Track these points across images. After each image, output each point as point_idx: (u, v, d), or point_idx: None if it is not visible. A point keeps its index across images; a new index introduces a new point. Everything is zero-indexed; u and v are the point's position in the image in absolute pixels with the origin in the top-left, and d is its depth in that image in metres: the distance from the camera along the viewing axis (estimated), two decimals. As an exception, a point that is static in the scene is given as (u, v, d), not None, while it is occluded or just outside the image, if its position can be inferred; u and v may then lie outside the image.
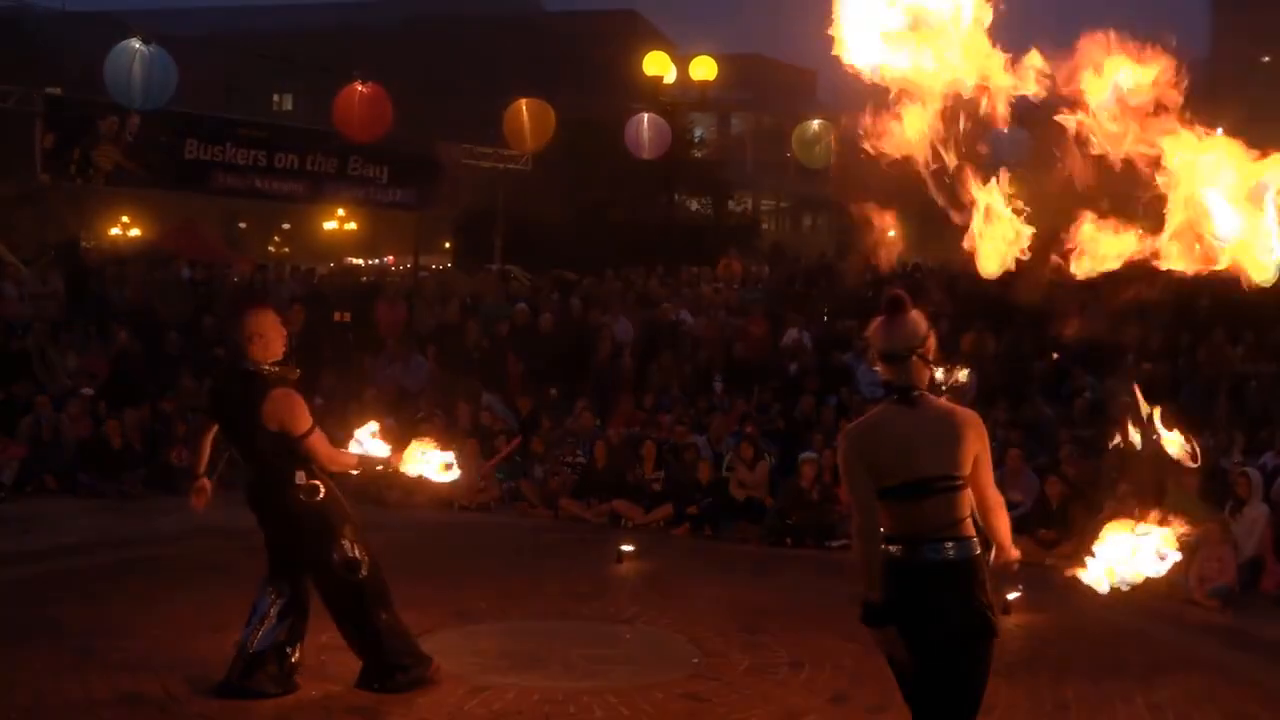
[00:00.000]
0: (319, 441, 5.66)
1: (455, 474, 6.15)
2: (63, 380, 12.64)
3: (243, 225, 41.07)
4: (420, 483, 6.24)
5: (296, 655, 5.80)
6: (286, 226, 42.50)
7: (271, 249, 40.66)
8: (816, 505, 10.30)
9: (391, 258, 36.56)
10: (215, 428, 5.92)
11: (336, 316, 14.38)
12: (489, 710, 5.68)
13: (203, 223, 28.50)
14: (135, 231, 34.39)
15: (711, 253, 21.44)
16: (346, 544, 5.72)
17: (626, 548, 9.24)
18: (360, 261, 35.30)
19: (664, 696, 5.98)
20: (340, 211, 34.43)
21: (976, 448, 3.87)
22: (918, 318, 3.97)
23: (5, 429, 11.46)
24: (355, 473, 6.07)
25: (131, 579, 8.12)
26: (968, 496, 3.87)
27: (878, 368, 4.00)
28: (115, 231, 34.47)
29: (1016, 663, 6.53)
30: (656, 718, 5.69)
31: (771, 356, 14.17)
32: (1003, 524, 4.06)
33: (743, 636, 7.07)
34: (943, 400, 3.98)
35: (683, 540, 10.38)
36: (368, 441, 5.96)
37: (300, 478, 5.64)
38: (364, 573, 5.75)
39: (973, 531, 3.88)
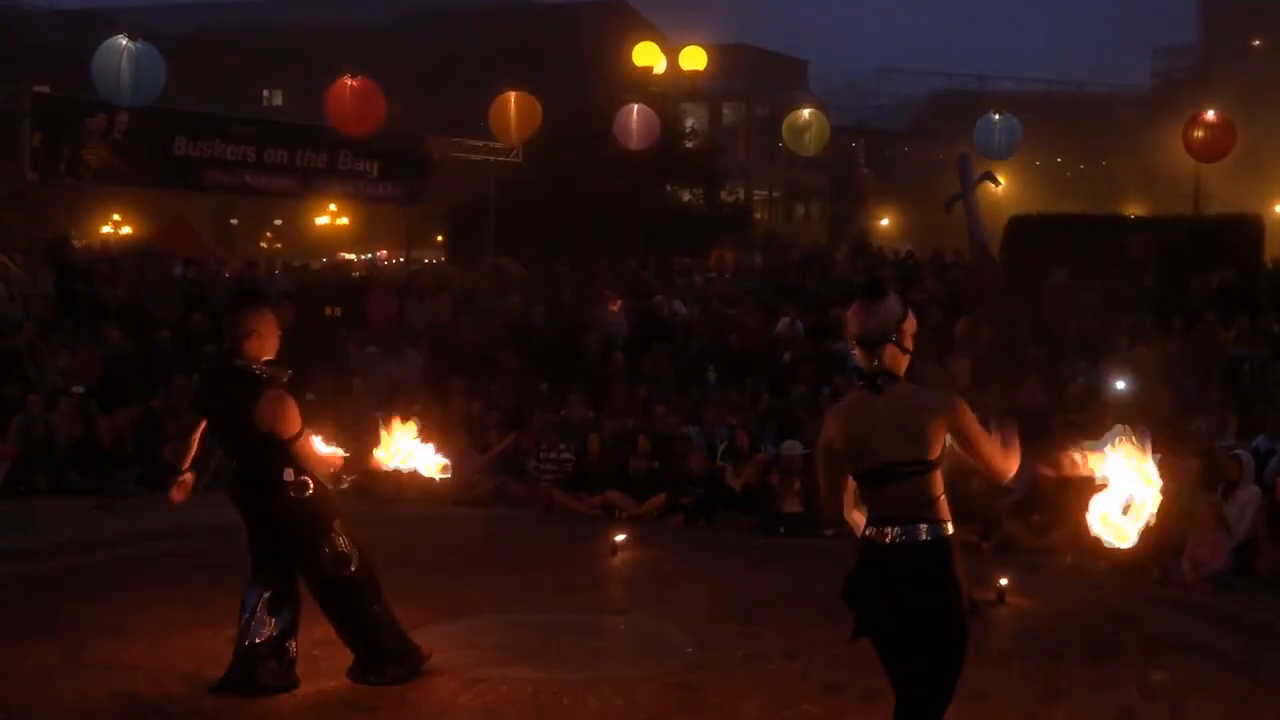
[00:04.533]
0: (308, 445, 5.64)
1: (447, 475, 6.07)
2: (54, 379, 12.60)
3: (234, 222, 40.95)
4: (412, 478, 6.17)
5: (294, 649, 5.78)
6: (278, 222, 42.37)
7: (264, 245, 40.52)
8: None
9: (384, 252, 36.47)
10: (203, 424, 5.85)
11: (327, 311, 14.36)
12: (483, 702, 5.67)
13: (194, 220, 28.43)
14: (126, 229, 34.26)
15: (704, 243, 21.42)
16: (336, 538, 5.72)
17: (619, 538, 9.23)
18: (352, 256, 35.22)
19: (658, 687, 5.97)
20: (332, 207, 34.34)
21: (948, 427, 3.84)
22: (894, 303, 3.95)
23: (-4, 429, 11.43)
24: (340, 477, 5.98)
25: (124, 578, 8.10)
26: (936, 479, 3.85)
27: (855, 352, 3.97)
28: (106, 230, 34.33)
29: (1009, 647, 6.54)
30: (651, 708, 5.68)
31: (765, 346, 14.17)
32: (1009, 457, 4.00)
33: (737, 627, 7.07)
34: (913, 386, 3.96)
35: (676, 531, 10.38)
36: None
37: (289, 474, 5.62)
38: (354, 566, 5.75)
39: (945, 515, 3.86)
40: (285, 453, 5.60)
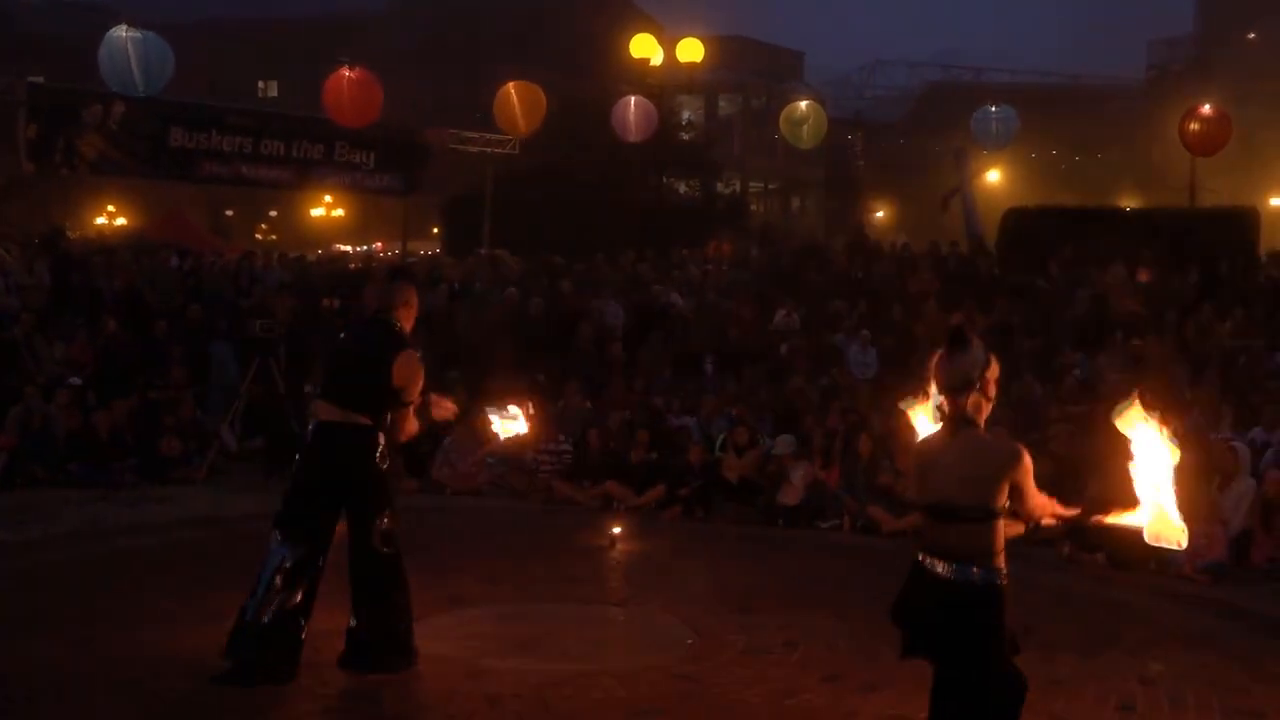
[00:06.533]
0: (412, 412, 5.93)
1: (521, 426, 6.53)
2: (51, 370, 12.58)
3: (229, 213, 40.90)
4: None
5: (304, 630, 5.80)
6: (274, 214, 42.32)
7: (259, 236, 40.49)
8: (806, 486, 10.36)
9: (380, 244, 36.45)
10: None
11: (325, 303, 14.33)
12: (485, 693, 5.69)
13: (189, 211, 28.37)
14: (121, 220, 34.23)
15: (701, 235, 21.42)
16: (392, 516, 5.87)
17: (616, 530, 9.25)
18: (348, 248, 35.18)
19: (659, 677, 5.99)
20: (328, 198, 34.30)
21: (1014, 479, 4.00)
22: (977, 353, 4.10)
23: (-6, 420, 11.39)
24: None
25: (123, 569, 8.10)
26: (998, 528, 3.99)
27: (940, 399, 4.10)
28: (101, 221, 34.30)
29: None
30: (652, 699, 5.70)
31: (761, 338, 14.18)
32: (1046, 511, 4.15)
33: (736, 617, 7.09)
34: (985, 435, 4.09)
35: (675, 522, 10.39)
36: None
37: (382, 440, 5.86)
38: (397, 549, 5.86)
39: (1000, 564, 3.99)
40: (384, 420, 5.85)
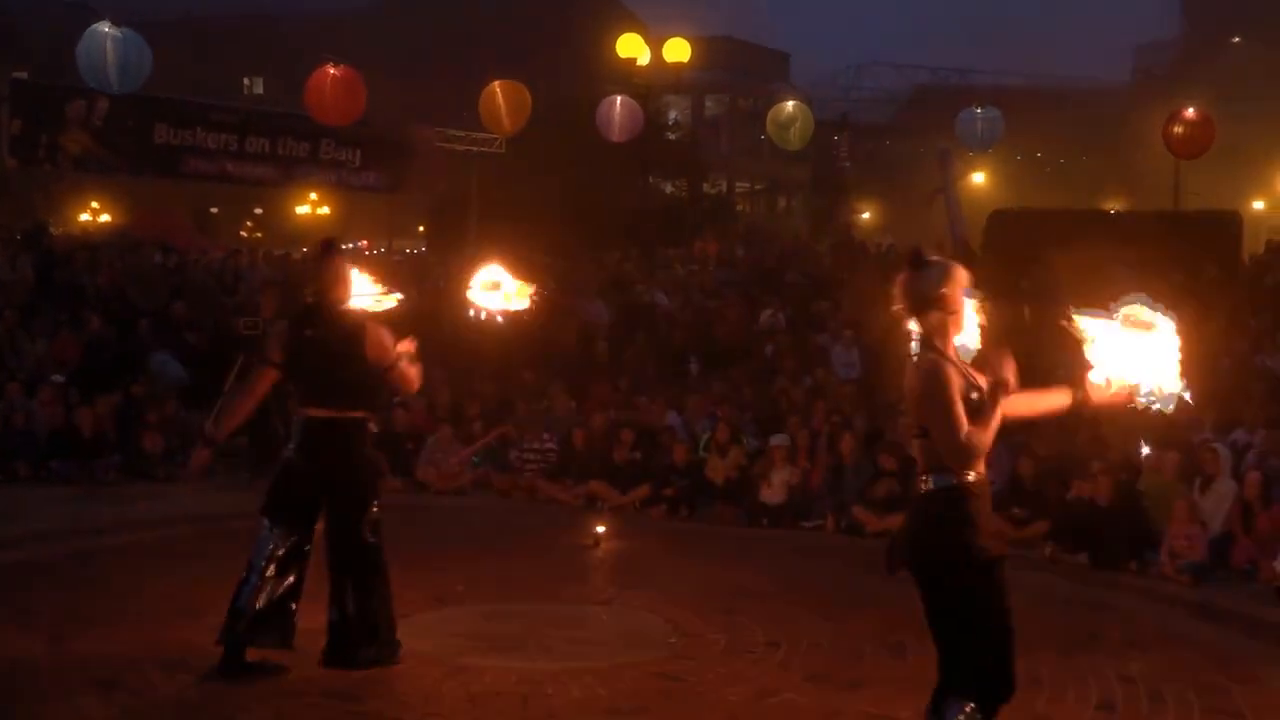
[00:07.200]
0: (408, 368, 5.94)
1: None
2: (33, 367, 12.51)
3: (214, 210, 40.76)
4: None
5: (295, 611, 5.82)
6: (259, 211, 42.18)
7: (244, 234, 40.35)
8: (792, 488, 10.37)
9: (365, 242, 36.35)
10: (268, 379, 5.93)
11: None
12: (467, 691, 5.68)
13: (174, 208, 28.25)
14: (105, 217, 34.07)
15: (686, 235, 21.44)
16: (377, 507, 5.90)
17: (600, 529, 9.25)
18: (334, 246, 34.98)
19: (641, 676, 5.99)
20: (313, 196, 34.20)
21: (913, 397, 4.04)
22: (934, 272, 4.07)
23: (-25, 417, 11.34)
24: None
25: (105, 566, 8.07)
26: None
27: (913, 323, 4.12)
28: (85, 217, 34.14)
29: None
30: (634, 698, 5.70)
31: (747, 338, 14.20)
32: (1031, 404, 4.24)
33: (719, 617, 7.09)
34: (927, 356, 4.07)
35: (659, 522, 10.40)
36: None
37: (371, 426, 5.94)
38: (380, 539, 5.89)
39: (958, 472, 3.99)
40: (368, 403, 5.91)
